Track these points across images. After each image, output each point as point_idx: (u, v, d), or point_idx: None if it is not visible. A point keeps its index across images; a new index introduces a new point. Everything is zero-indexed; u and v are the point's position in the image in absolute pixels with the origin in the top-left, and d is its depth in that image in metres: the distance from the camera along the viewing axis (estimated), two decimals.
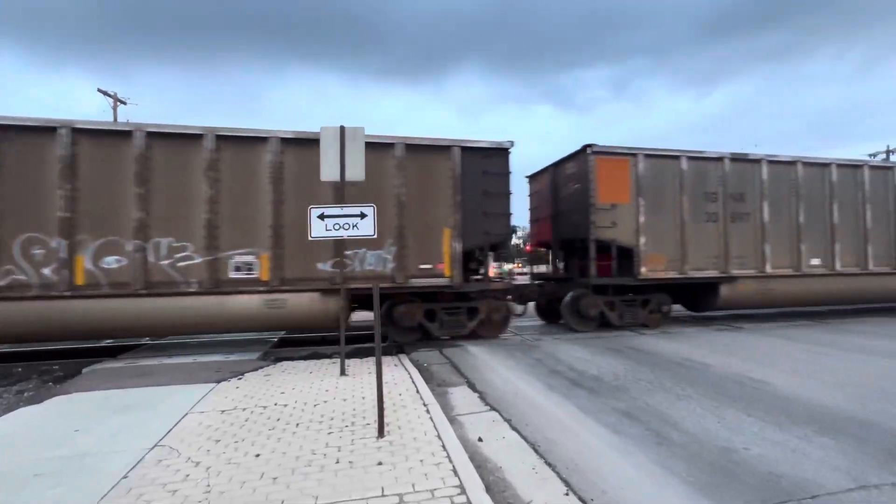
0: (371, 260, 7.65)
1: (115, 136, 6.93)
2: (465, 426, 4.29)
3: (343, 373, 5.93)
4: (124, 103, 24.17)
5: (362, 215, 5.62)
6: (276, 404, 4.74)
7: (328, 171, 5.96)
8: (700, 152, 9.64)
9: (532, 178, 11.74)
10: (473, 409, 4.83)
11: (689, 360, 6.80)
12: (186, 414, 4.47)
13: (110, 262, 6.78)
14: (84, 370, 6.42)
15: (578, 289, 9.37)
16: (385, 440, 3.73)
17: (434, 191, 7.96)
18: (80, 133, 6.75)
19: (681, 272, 9.33)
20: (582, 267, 9.66)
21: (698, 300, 10.24)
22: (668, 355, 7.13)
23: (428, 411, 4.44)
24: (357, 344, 8.23)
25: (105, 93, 23.51)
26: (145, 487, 3.03)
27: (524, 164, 15.85)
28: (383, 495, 2.88)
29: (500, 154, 8.30)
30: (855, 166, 10.73)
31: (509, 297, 9.13)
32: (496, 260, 9.24)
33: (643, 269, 9.10)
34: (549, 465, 3.49)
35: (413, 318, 8.08)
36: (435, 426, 4.04)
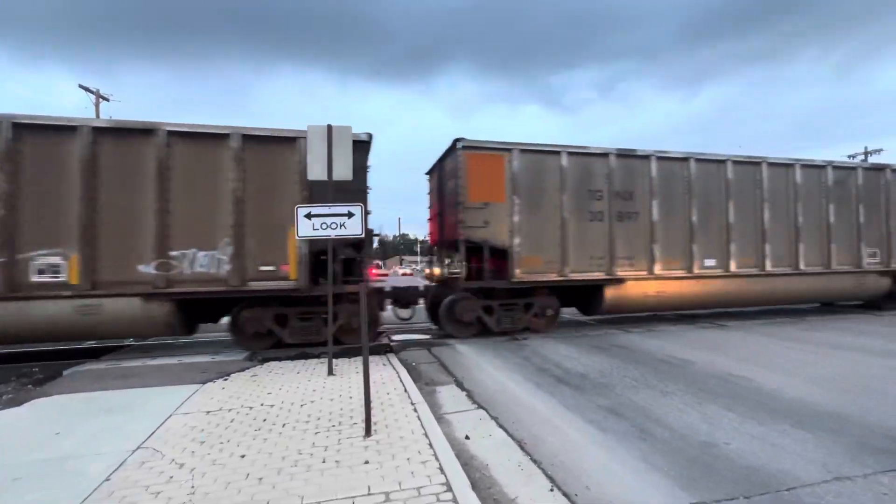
0: (203, 261, 6.95)
1: None
2: (453, 424, 4.32)
3: (331, 373, 5.91)
4: (107, 100, 23.72)
5: (350, 214, 5.61)
6: (262, 405, 4.71)
7: (315, 169, 5.94)
8: (583, 147, 9.05)
9: (429, 175, 11.00)
10: (461, 407, 4.86)
11: (673, 357, 6.92)
12: (171, 415, 4.41)
13: None
14: (65, 372, 6.30)
15: (459, 292, 8.69)
16: (372, 439, 3.74)
17: (278, 186, 7.25)
18: None
19: (561, 274, 8.76)
20: (469, 269, 8.93)
21: (589, 303, 9.69)
22: (653, 353, 7.24)
23: (415, 410, 4.46)
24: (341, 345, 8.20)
25: (87, 89, 23.04)
26: (128, 490, 2.99)
27: None
28: (370, 494, 2.89)
29: (355, 147, 7.44)
30: (753, 163, 10.21)
31: (389, 300, 8.80)
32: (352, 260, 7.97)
33: (517, 272, 8.51)
34: (535, 461, 3.53)
35: (261, 324, 7.44)
36: (422, 425, 4.05)
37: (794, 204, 10.43)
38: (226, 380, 5.72)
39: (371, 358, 5.94)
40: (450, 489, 2.93)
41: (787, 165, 10.46)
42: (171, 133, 6.88)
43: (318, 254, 7.45)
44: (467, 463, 3.45)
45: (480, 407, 4.83)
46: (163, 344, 8.44)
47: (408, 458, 3.38)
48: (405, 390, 5.13)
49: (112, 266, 6.69)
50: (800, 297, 11.01)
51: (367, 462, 3.33)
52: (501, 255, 8.64)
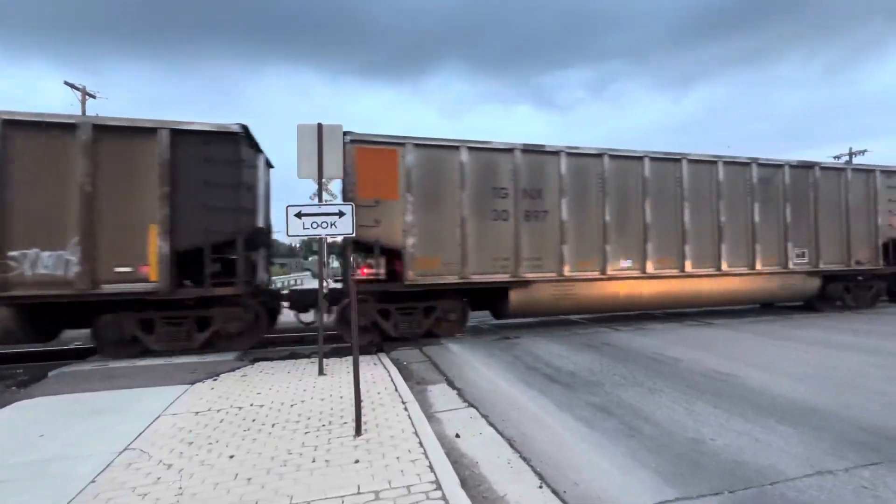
0: (48, 262, 6.35)
1: None
2: (443, 423, 4.33)
3: (321, 372, 5.89)
4: (93, 97, 23.36)
5: (340, 213, 5.60)
6: (252, 405, 4.68)
7: (305, 168, 5.92)
8: (485, 142, 8.55)
9: None
10: (452, 406, 4.87)
11: (661, 355, 7.00)
12: (159, 416, 4.37)
13: None
14: (50, 373, 6.21)
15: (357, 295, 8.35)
16: (362, 438, 3.74)
17: (137, 181, 6.70)
18: None
19: (462, 276, 8.22)
20: (390, 271, 8.49)
21: (496, 306, 9.23)
22: (641, 351, 7.32)
23: (406, 409, 4.46)
24: (333, 343, 8.18)
25: (73, 86, 22.67)
26: (114, 492, 2.96)
27: None
28: (359, 492, 2.89)
29: (226, 139, 7.00)
30: (673, 160, 9.73)
31: (285, 303, 8.35)
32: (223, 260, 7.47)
33: (410, 273, 7.98)
34: (524, 459, 3.55)
35: (122, 330, 6.94)
36: (413, 423, 4.06)
37: (716, 202, 10.07)
38: (215, 380, 5.68)
39: (362, 357, 5.93)
40: (439, 487, 2.95)
41: (710, 162, 10.09)
42: (8, 122, 6.30)
43: (184, 254, 6.90)
44: (457, 461, 3.47)
45: (471, 405, 4.85)
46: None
47: (398, 457, 3.38)
48: (396, 389, 5.14)
49: None
50: (723, 300, 10.56)
51: (357, 461, 3.33)
52: (400, 257, 8.17)
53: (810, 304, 11.69)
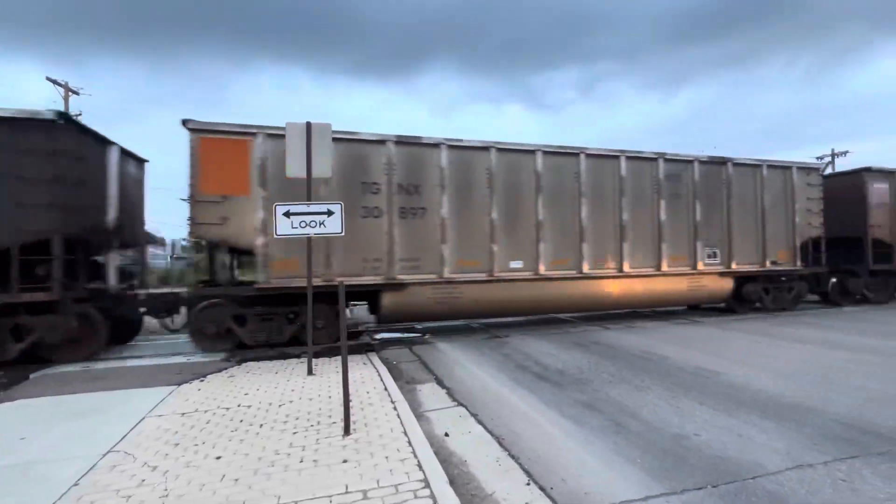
0: None
1: None
2: (433, 422, 4.34)
3: (310, 372, 5.86)
4: (76, 93, 22.92)
5: (329, 212, 5.56)
6: (239, 406, 4.64)
7: (293, 167, 5.87)
8: (352, 133, 7.78)
9: None
10: (441, 404, 4.88)
11: (649, 353, 7.09)
12: (144, 418, 4.31)
13: None
14: (32, 376, 6.09)
15: (206, 300, 7.38)
16: (351, 438, 3.73)
17: None
18: None
19: (325, 279, 7.42)
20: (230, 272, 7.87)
21: (372, 309, 8.55)
22: (629, 349, 7.40)
23: (395, 408, 4.46)
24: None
25: (55, 81, 22.23)
26: (97, 494, 2.92)
27: None
28: (347, 492, 2.89)
29: (41, 128, 6.32)
30: (570, 154, 9.19)
31: (143, 309, 7.63)
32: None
33: (262, 276, 7.32)
34: (513, 456, 3.58)
35: None
36: (402, 423, 4.06)
37: (619, 199, 9.49)
38: (202, 381, 5.61)
39: (351, 357, 5.90)
40: (427, 485, 2.95)
41: (612, 157, 9.51)
42: None
43: None
44: (446, 459, 3.48)
45: (460, 404, 4.86)
46: (134, 345, 8.22)
47: (386, 457, 3.38)
48: (385, 389, 5.13)
49: None
50: (626, 302, 9.98)
51: (345, 461, 3.32)
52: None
53: (728, 306, 11.26)
